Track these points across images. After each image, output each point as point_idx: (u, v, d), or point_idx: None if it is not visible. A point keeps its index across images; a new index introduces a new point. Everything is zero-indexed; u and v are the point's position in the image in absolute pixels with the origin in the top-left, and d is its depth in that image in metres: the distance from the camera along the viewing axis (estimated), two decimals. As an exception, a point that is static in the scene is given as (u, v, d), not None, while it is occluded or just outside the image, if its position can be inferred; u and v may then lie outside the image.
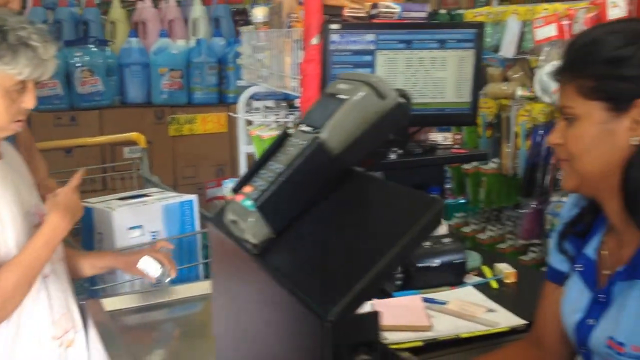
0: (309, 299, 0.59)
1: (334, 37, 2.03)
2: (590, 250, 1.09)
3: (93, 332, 1.60)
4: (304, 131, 0.78)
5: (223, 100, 4.20)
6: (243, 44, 2.83)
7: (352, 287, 0.56)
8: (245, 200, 0.76)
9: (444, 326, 1.50)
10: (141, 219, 2.09)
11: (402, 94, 0.76)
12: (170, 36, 4.16)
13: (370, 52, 2.06)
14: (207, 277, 2.19)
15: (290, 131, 0.81)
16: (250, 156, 2.71)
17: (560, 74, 1.04)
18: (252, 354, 0.76)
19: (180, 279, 2.10)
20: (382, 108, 0.74)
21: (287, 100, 3.06)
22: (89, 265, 1.78)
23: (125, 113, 3.87)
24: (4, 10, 1.49)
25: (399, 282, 1.65)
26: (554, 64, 2.12)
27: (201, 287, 1.88)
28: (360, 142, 0.74)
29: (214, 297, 0.89)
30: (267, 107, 2.70)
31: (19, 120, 1.48)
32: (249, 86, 2.76)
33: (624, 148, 0.97)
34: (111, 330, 1.57)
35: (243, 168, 2.66)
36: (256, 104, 2.74)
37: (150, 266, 1.72)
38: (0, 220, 1.44)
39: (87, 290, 1.93)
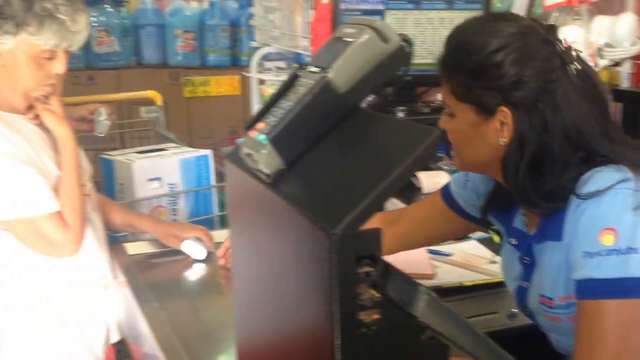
0: (316, 216, 0.66)
1: (345, -4, 2.08)
2: (518, 222, 1.16)
3: (120, 275, 1.71)
4: (312, 72, 0.85)
5: (236, 63, 4.25)
6: (255, 5, 2.88)
7: (355, 206, 0.64)
8: (259, 135, 0.84)
9: (449, 275, 1.59)
10: (159, 172, 2.18)
11: (405, 38, 0.83)
12: (186, -2, 4.21)
13: (380, 12, 2.11)
14: (221, 228, 2.29)
15: (300, 72, 0.88)
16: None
17: (438, 70, 1.09)
18: (267, 275, 0.84)
19: None
20: (384, 50, 0.81)
21: (298, 63, 3.12)
22: (123, 222, 1.88)
23: (141, 74, 3.94)
24: None
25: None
26: (563, 30, 2.16)
27: (216, 236, 1.97)
28: (364, 82, 0.81)
29: (231, 228, 0.97)
30: (278, 68, 2.76)
31: (51, 84, 1.54)
32: (262, 47, 2.81)
33: (496, 146, 1.03)
34: (135, 273, 1.67)
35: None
36: (268, 64, 2.80)
37: (194, 250, 1.83)
38: (48, 174, 1.51)
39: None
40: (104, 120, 1.96)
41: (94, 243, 1.63)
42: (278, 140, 0.80)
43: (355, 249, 0.64)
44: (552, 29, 1.04)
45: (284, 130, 0.80)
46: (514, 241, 1.17)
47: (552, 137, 0.99)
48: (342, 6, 2.08)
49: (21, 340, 1.53)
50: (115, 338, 1.67)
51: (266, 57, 2.81)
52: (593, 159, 1.00)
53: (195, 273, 1.77)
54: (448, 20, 2.07)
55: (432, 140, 0.66)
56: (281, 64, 2.77)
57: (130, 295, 1.62)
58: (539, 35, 1.01)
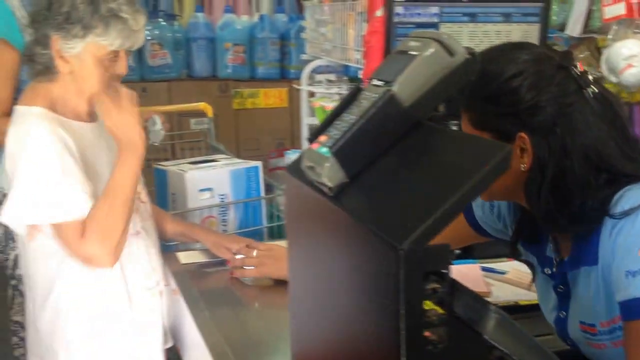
0: (383, 231, 0.66)
1: (398, 9, 2.07)
2: (550, 251, 1.14)
3: (172, 283, 1.73)
4: (376, 85, 0.84)
5: (285, 76, 4.29)
6: (307, 18, 2.90)
7: (423, 221, 0.63)
8: (321, 147, 0.83)
9: (503, 294, 1.56)
10: (211, 182, 2.21)
11: (471, 51, 0.81)
12: (235, 11, 4.27)
13: (434, 25, 2.09)
14: (269, 240, 2.31)
15: (363, 86, 0.87)
16: (312, 128, 2.80)
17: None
18: (327, 288, 0.84)
19: None
20: (450, 64, 0.80)
21: (348, 75, 3.12)
22: (175, 232, 1.90)
23: (192, 86, 4.01)
24: None
25: (458, 252, 1.70)
26: (623, 43, 2.12)
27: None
28: (429, 96, 0.80)
29: (289, 240, 0.97)
30: (329, 81, 2.77)
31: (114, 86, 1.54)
32: (312, 60, 2.83)
33: (518, 173, 1.02)
34: (186, 281, 1.69)
35: (304, 138, 2.74)
36: (318, 77, 2.81)
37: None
38: (98, 175, 1.54)
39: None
40: (158, 129, 1.99)
41: (148, 251, 1.65)
42: (341, 153, 0.80)
43: (423, 264, 0.63)
44: (567, 55, 1.05)
45: (347, 143, 0.80)
46: (547, 271, 1.15)
47: (572, 160, 0.99)
48: (396, 19, 2.07)
49: (82, 348, 1.56)
50: (168, 344, 1.69)
51: (316, 70, 2.83)
52: (619, 180, 1.00)
53: (245, 283, 1.77)
54: (504, 33, 2.04)
55: (504, 155, 0.65)
56: (331, 76, 2.78)
57: (182, 303, 1.63)
58: (553, 61, 1.02)
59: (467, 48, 0.82)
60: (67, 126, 1.52)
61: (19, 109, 1.54)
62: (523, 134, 1.00)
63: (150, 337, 1.63)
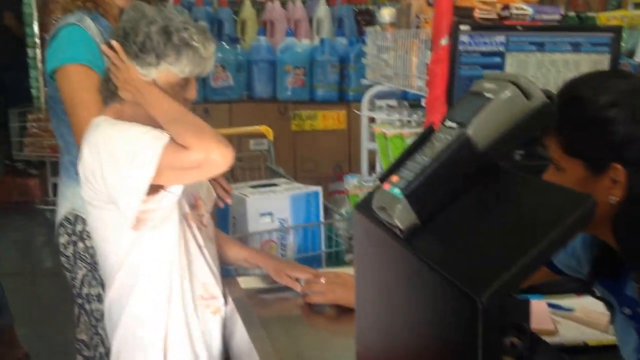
0: (460, 280, 0.64)
1: (464, 38, 2.05)
2: (630, 289, 1.08)
3: (231, 306, 1.75)
4: (449, 127, 0.84)
5: (343, 98, 4.31)
6: (368, 44, 2.91)
7: (503, 273, 0.61)
8: (393, 188, 0.83)
9: (570, 332, 1.51)
10: (271, 207, 2.22)
11: (548, 94, 0.80)
12: (296, 35, 4.33)
13: (500, 54, 2.07)
14: (327, 264, 2.31)
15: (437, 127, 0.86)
16: (371, 153, 2.79)
17: None
18: (396, 332, 0.83)
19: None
20: (528, 107, 0.78)
21: (407, 100, 3.11)
22: (237, 256, 1.93)
23: (252, 107, 4.07)
24: (170, 10, 1.61)
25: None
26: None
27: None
28: (504, 140, 0.79)
29: (357, 277, 0.97)
30: (389, 106, 2.76)
31: None
32: (372, 85, 2.83)
33: (606, 205, 0.98)
34: (246, 304, 1.70)
35: (365, 163, 2.74)
36: (379, 102, 2.80)
37: None
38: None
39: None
40: None
41: (210, 270, 1.70)
42: (414, 196, 0.79)
43: (502, 318, 0.61)
44: None
45: (420, 185, 0.79)
46: (627, 311, 1.10)
47: None
48: (461, 47, 2.06)
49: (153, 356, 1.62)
50: None
51: (376, 95, 2.83)
52: None
53: (307, 311, 1.77)
54: (573, 64, 2.00)
55: (588, 208, 0.63)
56: (392, 101, 2.77)
57: (240, 325, 1.65)
58: None
59: (545, 91, 0.80)
60: None
61: (92, 123, 1.62)
62: (617, 165, 0.96)
63: (210, 353, 1.67)
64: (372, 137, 2.74)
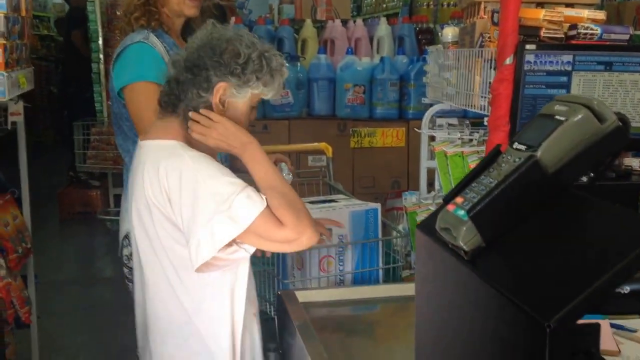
0: (527, 304, 0.64)
1: (529, 57, 2.03)
2: None
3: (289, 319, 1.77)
4: (517, 149, 0.83)
5: (403, 116, 4.29)
6: (429, 63, 2.90)
7: (573, 297, 0.60)
8: (458, 210, 0.83)
9: (634, 354, 1.46)
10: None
11: (621, 117, 0.78)
12: (356, 53, 4.35)
13: (567, 73, 2.03)
14: (385, 281, 2.30)
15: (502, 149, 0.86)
16: (430, 170, 2.77)
17: None
18: (457, 354, 0.82)
19: (362, 282, 2.24)
20: (600, 131, 0.77)
21: (467, 118, 3.08)
22: None
23: (311, 124, 4.10)
24: (254, 36, 1.63)
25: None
26: None
27: (379, 290, 2.01)
28: (575, 163, 0.78)
29: (417, 296, 0.97)
30: (450, 124, 2.74)
31: None
32: (433, 103, 2.82)
33: None
34: (305, 319, 1.72)
35: (423, 181, 2.72)
36: (439, 120, 2.79)
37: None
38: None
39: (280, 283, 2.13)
40: (286, 174, 2.05)
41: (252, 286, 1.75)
42: (479, 217, 0.79)
43: (571, 344, 0.60)
44: None
45: (486, 207, 0.79)
46: None
47: None
48: (526, 67, 2.03)
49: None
50: None
51: (437, 113, 2.81)
52: None
53: (364, 322, 1.78)
54: (642, 84, 1.94)
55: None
56: (453, 120, 2.75)
57: (295, 330, 1.67)
58: None
59: (618, 114, 0.79)
60: None
61: (160, 143, 1.60)
62: None
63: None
64: (432, 155, 2.72)
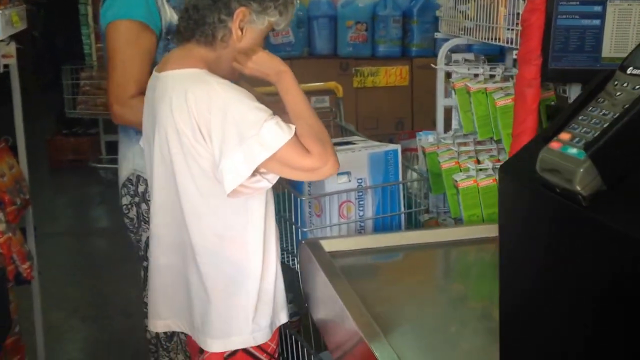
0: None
1: (564, -16, 1.90)
2: None
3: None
4: (634, 74, 0.72)
5: (406, 54, 4.16)
6: (443, -5, 2.75)
7: None
8: (567, 148, 0.72)
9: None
10: (349, 166, 2.13)
11: None
12: (357, -11, 4.16)
13: (601, 2, 1.91)
14: (407, 226, 2.23)
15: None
16: (448, 109, 2.65)
17: None
18: (564, 312, 0.73)
19: (383, 227, 2.15)
20: None
21: (487, 55, 2.95)
22: None
23: (312, 64, 3.96)
24: None
25: None
26: None
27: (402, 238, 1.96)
28: None
29: (503, 247, 0.87)
30: (467, 60, 2.61)
31: None
32: (448, 39, 2.68)
33: None
34: (336, 269, 1.65)
35: (441, 121, 2.61)
36: (455, 56, 2.65)
37: None
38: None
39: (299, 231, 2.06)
40: None
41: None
42: (600, 156, 0.68)
43: None
44: None
45: (608, 143, 0.68)
46: None
47: None
48: (560, -5, 1.90)
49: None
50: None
51: (451, 49, 2.67)
52: None
53: (394, 270, 1.71)
54: (686, 11, 1.83)
55: None
56: (469, 55, 2.62)
57: (325, 278, 1.61)
58: None
59: None
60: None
61: (183, 72, 1.57)
62: None
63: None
64: (449, 93, 2.60)
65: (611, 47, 1.92)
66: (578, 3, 1.91)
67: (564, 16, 1.92)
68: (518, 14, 2.04)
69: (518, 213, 0.83)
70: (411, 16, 4.07)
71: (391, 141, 4.08)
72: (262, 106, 1.51)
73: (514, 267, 0.84)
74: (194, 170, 1.56)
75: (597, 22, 1.91)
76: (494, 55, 2.85)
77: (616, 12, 1.90)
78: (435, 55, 4.19)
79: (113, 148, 5.76)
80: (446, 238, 1.99)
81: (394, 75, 4.12)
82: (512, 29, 2.08)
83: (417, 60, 4.14)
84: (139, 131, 1.83)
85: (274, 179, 1.57)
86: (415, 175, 2.41)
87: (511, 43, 2.10)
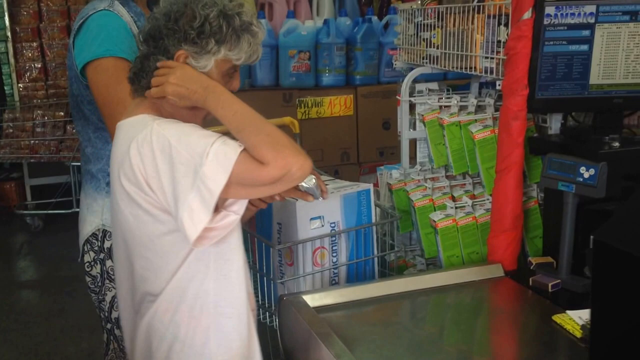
0: None
1: (549, 10, 1.79)
2: None
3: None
4: None
5: (350, 82, 4.01)
6: (400, 22, 2.61)
7: None
8: None
9: None
10: (322, 210, 1.94)
11: None
12: (296, 17, 4.00)
13: (589, 26, 1.81)
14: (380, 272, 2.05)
15: None
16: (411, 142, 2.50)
17: None
18: None
19: (357, 272, 2.04)
20: None
21: (446, 80, 2.82)
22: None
23: (255, 96, 3.73)
24: None
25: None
26: None
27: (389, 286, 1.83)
28: None
29: (595, 312, 0.68)
30: (430, 90, 2.47)
31: None
32: (407, 69, 2.54)
33: None
34: (326, 328, 1.50)
35: (405, 155, 2.44)
36: (418, 86, 2.50)
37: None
38: None
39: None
40: (313, 184, 1.72)
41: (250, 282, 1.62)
42: None
43: None
44: None
45: None
46: None
47: None
48: (546, 21, 1.79)
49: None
50: None
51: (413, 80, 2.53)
52: None
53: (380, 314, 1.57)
54: (676, 35, 1.75)
55: None
56: (433, 85, 2.48)
57: (317, 340, 1.47)
58: None
59: None
60: None
61: (131, 121, 1.44)
62: None
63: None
64: (413, 125, 2.45)
65: (599, 74, 1.82)
66: (565, 28, 1.81)
67: (551, 42, 1.81)
68: (499, 41, 1.91)
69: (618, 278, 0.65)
70: (354, 43, 3.94)
71: (336, 173, 3.93)
72: (207, 132, 1.36)
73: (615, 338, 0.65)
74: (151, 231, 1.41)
75: (585, 47, 1.82)
76: (460, 81, 2.72)
77: (605, 36, 1.81)
78: (379, 83, 4.12)
79: (39, 193, 5.35)
80: (433, 284, 1.84)
81: (338, 105, 3.96)
82: (492, 57, 1.95)
83: (361, 89, 4.01)
84: (108, 182, 1.62)
85: (240, 209, 1.40)
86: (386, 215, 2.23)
87: (491, 72, 1.96)
